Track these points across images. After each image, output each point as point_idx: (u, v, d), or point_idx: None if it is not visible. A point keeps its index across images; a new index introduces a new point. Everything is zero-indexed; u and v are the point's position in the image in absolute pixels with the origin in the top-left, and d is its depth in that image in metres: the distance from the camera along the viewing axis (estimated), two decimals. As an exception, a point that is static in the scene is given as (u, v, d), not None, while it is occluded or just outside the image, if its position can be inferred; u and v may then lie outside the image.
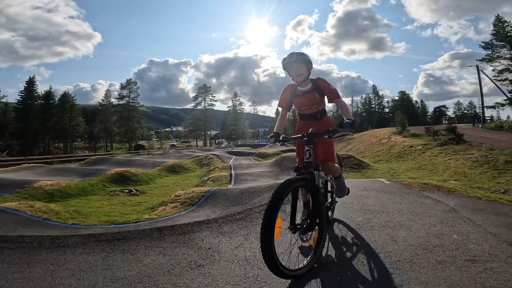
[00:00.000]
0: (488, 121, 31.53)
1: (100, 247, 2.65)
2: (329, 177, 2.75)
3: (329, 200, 2.97)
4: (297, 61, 2.48)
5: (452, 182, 8.58)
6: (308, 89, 2.60)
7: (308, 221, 2.08)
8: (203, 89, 69.18)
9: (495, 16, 35.47)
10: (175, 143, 71.81)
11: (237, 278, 1.87)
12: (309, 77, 2.61)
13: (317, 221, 2.09)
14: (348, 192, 2.92)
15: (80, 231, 4.30)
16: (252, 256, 2.23)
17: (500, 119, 34.95)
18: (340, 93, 2.62)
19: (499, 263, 2.06)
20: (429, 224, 2.93)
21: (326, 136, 2.26)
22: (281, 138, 2.41)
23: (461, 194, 4.61)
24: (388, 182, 5.80)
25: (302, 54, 2.51)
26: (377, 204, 3.81)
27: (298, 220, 2.04)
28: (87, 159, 20.92)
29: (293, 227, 1.99)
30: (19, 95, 50.31)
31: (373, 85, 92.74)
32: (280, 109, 2.86)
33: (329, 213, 2.90)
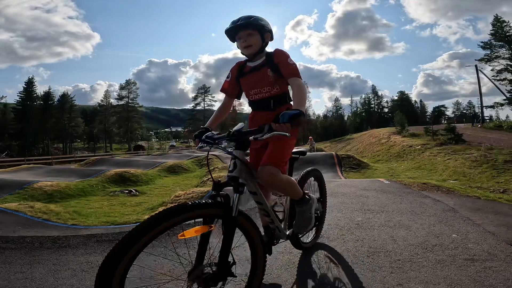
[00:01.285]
0: (487, 120, 31.63)
1: (101, 247, 2.66)
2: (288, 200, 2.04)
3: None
4: (245, 26, 1.75)
5: (451, 181, 8.62)
6: (258, 64, 1.85)
7: (212, 270, 1.35)
8: (203, 90, 69.31)
9: (494, 16, 35.70)
10: (174, 144, 71.87)
11: (238, 277, 1.88)
12: (265, 50, 1.88)
13: (233, 269, 1.41)
14: (316, 224, 2.19)
15: (80, 232, 4.30)
16: (252, 255, 2.25)
17: (499, 118, 35.10)
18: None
19: (498, 262, 2.08)
20: (429, 224, 2.95)
21: (252, 138, 1.40)
22: (203, 138, 1.60)
23: (460, 193, 4.63)
24: (387, 182, 5.82)
25: (253, 17, 1.77)
26: (376, 203, 3.82)
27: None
28: (86, 160, 20.92)
29: (191, 273, 1.32)
30: (18, 96, 50.46)
31: (372, 85, 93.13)
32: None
33: (308, 239, 2.38)
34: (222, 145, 1.55)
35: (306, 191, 2.00)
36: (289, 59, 1.77)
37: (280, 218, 1.92)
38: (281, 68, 1.76)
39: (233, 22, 1.77)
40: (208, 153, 1.56)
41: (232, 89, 1.97)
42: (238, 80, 1.93)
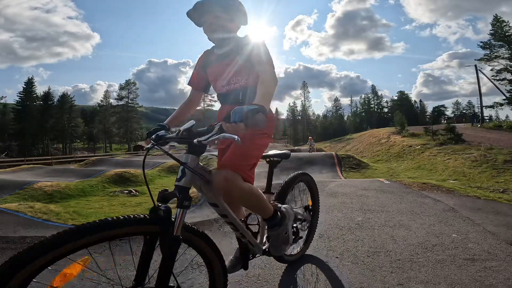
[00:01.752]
0: (487, 120, 31.67)
1: (102, 248, 2.65)
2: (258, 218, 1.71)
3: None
4: (210, 5, 1.49)
5: (451, 181, 8.62)
6: (226, 51, 1.59)
7: None
8: (202, 90, 69.35)
9: (493, 16, 35.72)
10: (174, 144, 71.93)
11: (238, 278, 1.88)
12: (237, 35, 1.62)
13: None
14: (289, 244, 1.74)
15: (80, 232, 4.30)
16: (253, 256, 2.25)
17: (499, 118, 35.16)
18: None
19: (498, 261, 2.08)
20: (429, 224, 2.95)
21: (195, 142, 1.13)
22: (153, 137, 1.33)
23: (460, 193, 4.63)
24: (387, 182, 5.82)
25: None
26: (376, 203, 3.83)
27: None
28: (86, 160, 20.92)
29: None
30: (18, 96, 50.40)
31: (372, 85, 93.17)
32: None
33: (293, 251, 2.11)
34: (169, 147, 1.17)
35: (280, 206, 1.70)
36: (262, 45, 1.49)
37: (255, 231, 1.64)
38: (251, 55, 1.49)
39: (198, 3, 1.51)
40: (145, 156, 1.21)
41: (198, 81, 1.72)
42: (205, 70, 1.69)
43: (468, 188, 6.06)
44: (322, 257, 2.21)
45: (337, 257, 2.19)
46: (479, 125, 25.57)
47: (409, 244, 2.42)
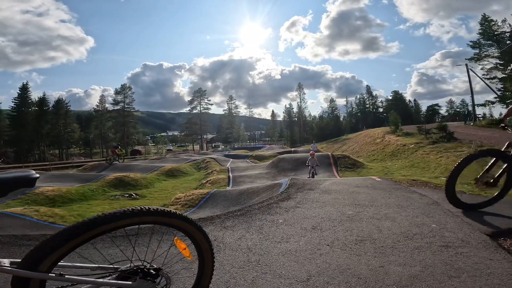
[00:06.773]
0: (480, 118, 32.21)
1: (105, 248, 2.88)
2: None
3: None
4: None
5: (443, 178, 8.90)
6: None
7: None
8: (198, 93, 69.62)
9: (482, 15, 36.41)
10: (171, 148, 72.14)
11: (241, 263, 2.13)
12: None
13: None
14: None
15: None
16: (253, 245, 2.49)
17: (492, 116, 35.74)
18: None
19: (469, 248, 2.34)
20: (412, 215, 3.22)
21: None
22: None
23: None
24: (379, 180, 6.09)
25: None
26: (367, 199, 4.09)
27: None
28: (85, 165, 21.05)
29: None
30: (12, 102, 50.11)
31: (367, 85, 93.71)
32: None
33: None
34: None
35: None
36: None
37: None
38: None
39: None
40: None
41: None
42: None
43: (458, 184, 6.33)
44: (314, 245, 2.47)
45: (328, 245, 2.45)
46: (471, 123, 26.07)
47: (392, 233, 2.69)
